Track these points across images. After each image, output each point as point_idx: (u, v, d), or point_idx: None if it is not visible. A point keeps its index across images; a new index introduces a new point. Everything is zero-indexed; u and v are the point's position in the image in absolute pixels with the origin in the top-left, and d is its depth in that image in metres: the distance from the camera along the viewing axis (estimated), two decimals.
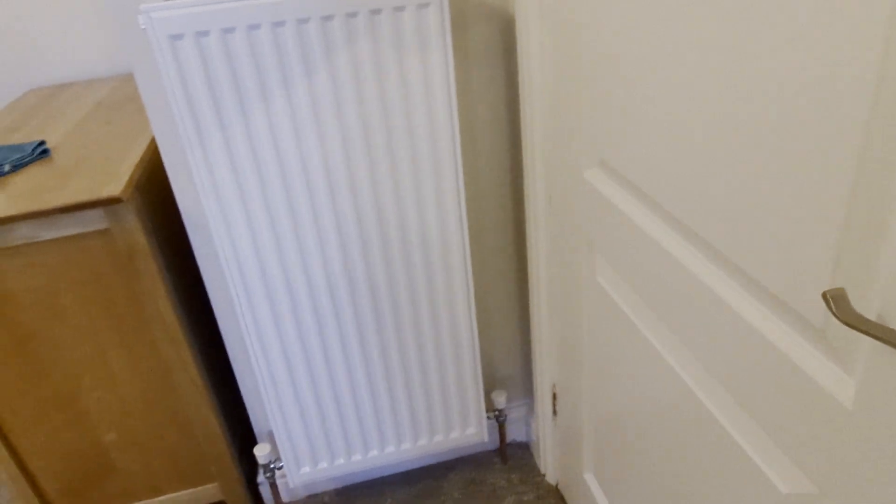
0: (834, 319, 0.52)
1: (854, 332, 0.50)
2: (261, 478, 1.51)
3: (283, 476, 1.51)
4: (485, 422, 1.42)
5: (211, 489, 1.44)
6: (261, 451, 1.39)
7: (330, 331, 1.23)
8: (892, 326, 0.45)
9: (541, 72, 1.05)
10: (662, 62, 0.68)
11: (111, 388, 1.26)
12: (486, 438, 1.44)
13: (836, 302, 0.45)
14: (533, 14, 1.01)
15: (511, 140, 1.27)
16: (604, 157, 0.88)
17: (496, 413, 1.50)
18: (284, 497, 1.53)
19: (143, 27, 0.96)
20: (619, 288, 0.94)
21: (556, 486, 1.51)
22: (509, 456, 1.59)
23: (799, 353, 0.57)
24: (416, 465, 1.59)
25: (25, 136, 1.41)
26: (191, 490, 1.43)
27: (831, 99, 0.47)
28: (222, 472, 1.41)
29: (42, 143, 1.29)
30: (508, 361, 1.53)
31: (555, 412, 1.41)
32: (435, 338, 1.30)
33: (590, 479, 1.28)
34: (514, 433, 1.62)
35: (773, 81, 0.52)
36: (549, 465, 1.50)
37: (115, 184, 1.10)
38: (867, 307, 0.48)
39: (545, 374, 1.37)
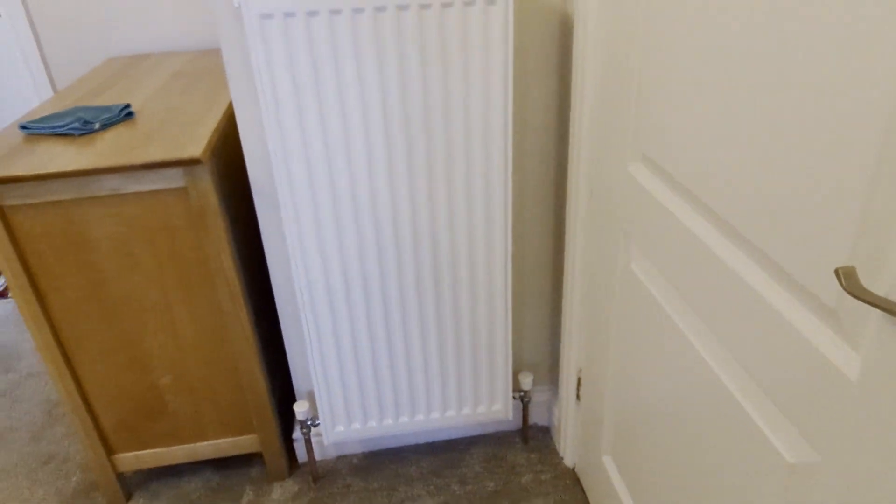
0: (845, 300, 0.59)
1: (862, 311, 0.57)
2: (296, 434, 1.61)
3: (318, 435, 1.61)
4: (510, 400, 1.50)
5: (250, 440, 1.54)
6: (300, 408, 1.49)
7: (375, 302, 1.32)
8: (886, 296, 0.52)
9: (593, 70, 1.12)
10: (706, 70, 0.75)
11: (172, 334, 1.37)
12: (510, 416, 1.52)
13: (847, 277, 0.52)
14: (591, 15, 1.09)
15: (558, 133, 1.34)
16: (646, 152, 0.95)
17: (521, 394, 1.58)
18: (316, 455, 1.63)
19: (236, 6, 1.06)
20: (651, 275, 1.01)
21: (573, 468, 1.58)
22: (530, 437, 1.67)
23: (813, 331, 0.64)
24: (441, 438, 1.68)
25: (109, 99, 1.53)
26: (232, 438, 1.53)
27: (853, 107, 0.54)
28: (262, 425, 1.51)
29: (127, 105, 1.40)
30: (537, 347, 1.60)
31: (578, 397, 1.48)
32: (472, 317, 1.38)
33: (607, 461, 1.35)
34: (536, 416, 1.70)
35: (805, 90, 0.59)
36: (568, 448, 1.57)
37: (195, 146, 1.21)
38: (877, 287, 0.55)
39: (572, 359, 1.45)
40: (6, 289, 2.43)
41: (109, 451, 1.49)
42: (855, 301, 0.58)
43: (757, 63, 0.67)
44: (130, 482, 1.60)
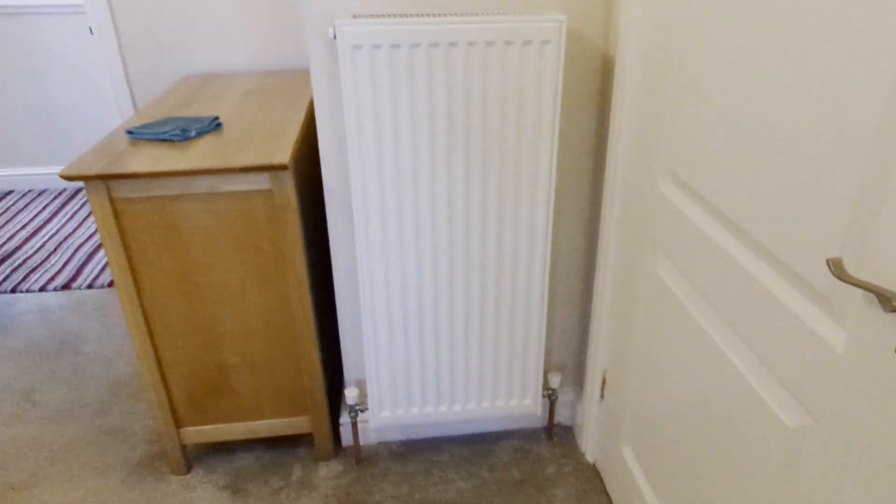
0: (836, 286, 0.76)
1: (848, 296, 0.74)
2: (343, 419, 1.77)
3: (363, 421, 1.77)
4: (540, 397, 1.66)
5: (302, 421, 1.71)
6: (350, 393, 1.66)
7: (427, 300, 1.50)
8: (873, 282, 0.69)
9: (630, 102, 1.31)
10: (727, 103, 0.93)
11: (244, 318, 1.55)
12: (538, 412, 1.68)
13: (835, 265, 0.69)
14: (629, 57, 1.28)
15: (595, 153, 1.52)
16: (676, 169, 1.13)
17: (550, 392, 1.74)
18: (360, 440, 1.79)
19: (331, 37, 1.26)
20: (674, 278, 1.18)
21: (594, 463, 1.73)
22: (555, 434, 1.82)
23: (809, 315, 0.81)
24: (473, 431, 1.83)
25: (197, 111, 1.74)
26: (286, 419, 1.70)
27: (839, 144, 0.71)
28: (315, 407, 1.68)
29: (217, 118, 1.60)
30: (566, 349, 1.76)
31: (602, 395, 1.64)
32: (510, 319, 1.55)
33: (626, 451, 1.50)
34: (561, 416, 1.85)
35: (805, 123, 0.77)
36: (590, 445, 1.73)
37: (281, 154, 1.40)
38: (861, 274, 0.71)
39: (598, 359, 1.61)
40: (70, 281, 2.63)
41: (178, 424, 1.66)
42: (843, 287, 0.74)
43: (768, 102, 0.84)
44: (190, 455, 1.76)
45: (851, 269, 0.72)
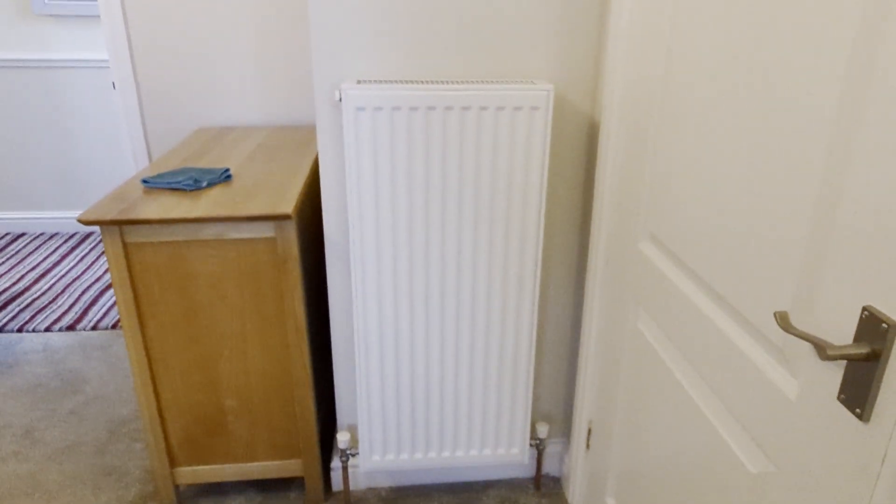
0: (788, 339, 0.82)
1: (798, 347, 0.81)
2: (334, 463, 1.80)
3: (353, 466, 1.80)
4: (528, 446, 1.70)
5: (294, 464, 1.74)
6: (342, 437, 1.70)
7: (419, 351, 1.56)
8: (814, 334, 0.75)
9: (612, 166, 1.40)
10: (699, 173, 1.02)
11: (242, 361, 1.61)
12: (526, 460, 1.71)
13: (782, 318, 0.76)
14: (613, 124, 1.38)
15: (582, 212, 1.61)
16: (653, 230, 1.21)
17: (537, 441, 1.77)
18: (350, 485, 1.82)
19: (337, 99, 1.36)
20: (653, 332, 1.24)
21: None
22: (542, 485, 1.85)
23: (766, 365, 0.87)
24: (461, 479, 1.86)
25: (209, 162, 1.84)
26: (279, 462, 1.73)
27: (789, 206, 0.79)
28: (307, 451, 1.71)
29: (227, 169, 1.70)
30: (554, 401, 1.81)
31: (588, 446, 1.67)
32: (499, 371, 1.61)
33: (610, 503, 1.53)
34: (549, 467, 1.88)
35: (762, 200, 0.85)
36: (576, 495, 1.75)
37: (285, 205, 1.49)
38: (807, 326, 0.78)
39: (584, 410, 1.65)
40: (75, 322, 2.69)
41: (173, 463, 1.70)
42: (794, 339, 0.81)
43: (726, 172, 0.93)
44: (182, 496, 1.79)
45: (798, 321, 0.79)
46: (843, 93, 0.70)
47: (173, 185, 1.59)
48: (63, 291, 2.97)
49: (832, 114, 0.72)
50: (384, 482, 1.84)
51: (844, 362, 0.72)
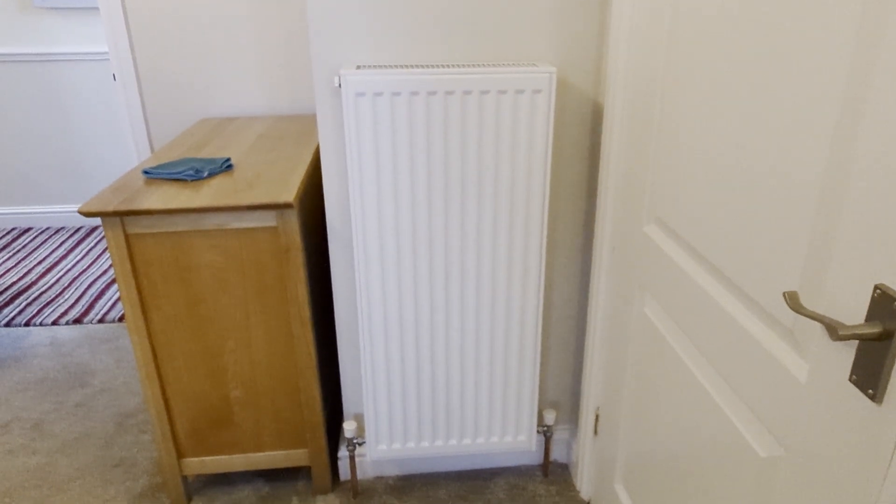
0: (798, 321, 0.81)
1: (809, 329, 0.79)
2: (341, 452, 1.80)
3: (360, 455, 1.80)
4: (535, 433, 1.69)
5: (301, 454, 1.74)
6: (349, 427, 1.70)
7: (424, 337, 1.55)
8: (824, 314, 0.74)
9: (617, 150, 1.38)
10: (702, 146, 1.00)
11: (247, 352, 1.60)
12: (533, 448, 1.71)
13: (791, 298, 0.74)
14: (618, 105, 1.36)
15: (587, 197, 1.59)
16: (659, 212, 1.19)
17: (545, 428, 1.77)
18: (357, 473, 1.81)
19: (336, 85, 1.35)
20: (659, 316, 1.23)
21: (588, 501, 1.74)
22: (550, 472, 1.84)
23: (777, 348, 0.85)
24: (469, 467, 1.85)
25: (210, 153, 1.83)
26: (286, 452, 1.73)
27: (799, 182, 0.77)
28: (314, 440, 1.71)
29: (228, 159, 1.69)
30: (561, 387, 1.80)
31: (596, 432, 1.66)
32: (505, 357, 1.59)
33: (619, 489, 1.52)
34: (557, 454, 1.87)
35: (767, 179, 0.83)
36: (585, 481, 1.74)
37: (287, 194, 1.48)
38: (817, 307, 0.76)
39: (591, 396, 1.64)
40: (82, 315, 2.70)
41: (180, 454, 1.70)
42: (804, 320, 0.79)
43: (734, 149, 0.91)
44: (190, 487, 1.79)
45: (808, 302, 0.77)
46: (854, 61, 0.68)
47: (174, 176, 1.58)
48: (70, 285, 2.97)
49: (843, 81, 0.70)
50: (392, 471, 1.84)
51: (856, 342, 0.70)
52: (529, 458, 1.87)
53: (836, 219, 0.72)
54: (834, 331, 0.66)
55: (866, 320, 0.68)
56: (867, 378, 0.68)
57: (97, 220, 3.73)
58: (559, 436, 1.85)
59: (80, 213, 1.39)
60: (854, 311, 0.70)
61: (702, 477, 1.08)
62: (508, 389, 1.63)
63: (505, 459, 1.86)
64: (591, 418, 1.66)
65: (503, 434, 1.69)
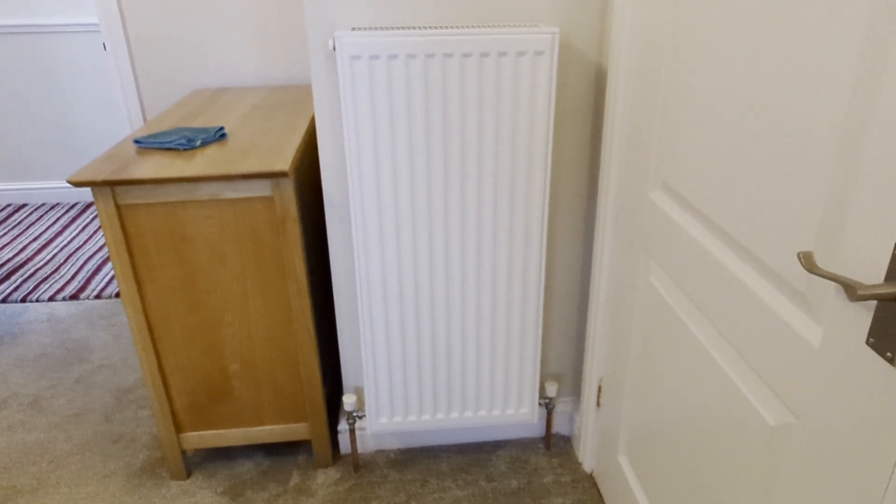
0: (811, 283, 0.78)
1: (822, 292, 0.76)
2: (341, 426, 1.79)
3: (360, 428, 1.78)
4: (536, 405, 1.67)
5: (301, 428, 1.72)
6: (348, 400, 1.68)
7: (424, 308, 1.52)
8: (841, 274, 0.70)
9: (622, 113, 1.34)
10: (713, 117, 0.96)
11: (245, 325, 1.58)
12: (535, 420, 1.69)
13: (806, 258, 0.71)
14: (622, 68, 1.31)
15: (590, 163, 1.55)
16: (665, 177, 1.15)
17: (546, 401, 1.75)
18: (358, 447, 1.80)
19: (331, 48, 1.30)
20: (665, 283, 1.20)
21: (591, 473, 1.73)
22: (552, 444, 1.83)
23: (787, 312, 0.82)
24: (471, 440, 1.84)
25: (203, 123, 1.79)
26: (285, 426, 1.72)
27: (813, 139, 0.74)
28: (314, 414, 1.69)
29: (222, 128, 1.65)
30: (563, 359, 1.78)
31: (598, 403, 1.64)
32: (507, 328, 1.57)
33: (623, 461, 1.50)
34: (559, 426, 1.86)
35: (783, 136, 0.79)
36: (587, 454, 1.73)
37: (282, 162, 1.44)
38: (832, 268, 0.73)
39: (594, 368, 1.62)
40: (79, 291, 2.67)
41: (178, 428, 1.68)
42: (817, 283, 0.76)
43: (744, 108, 0.87)
44: (190, 461, 1.78)
45: (823, 262, 0.74)
46: (875, 7, 0.64)
47: (166, 145, 1.54)
48: (66, 261, 2.95)
49: (865, 23, 0.66)
50: (393, 444, 1.82)
51: (874, 304, 0.67)
52: (531, 430, 1.85)
53: (855, 174, 0.68)
54: (853, 291, 0.63)
55: (886, 280, 0.65)
56: (885, 341, 0.65)
57: (93, 197, 3.69)
58: (561, 408, 1.83)
59: (70, 182, 1.35)
60: (872, 270, 0.67)
61: (708, 448, 1.06)
62: (510, 361, 1.61)
63: (506, 432, 1.85)
64: (594, 390, 1.64)
65: (505, 406, 1.67)
